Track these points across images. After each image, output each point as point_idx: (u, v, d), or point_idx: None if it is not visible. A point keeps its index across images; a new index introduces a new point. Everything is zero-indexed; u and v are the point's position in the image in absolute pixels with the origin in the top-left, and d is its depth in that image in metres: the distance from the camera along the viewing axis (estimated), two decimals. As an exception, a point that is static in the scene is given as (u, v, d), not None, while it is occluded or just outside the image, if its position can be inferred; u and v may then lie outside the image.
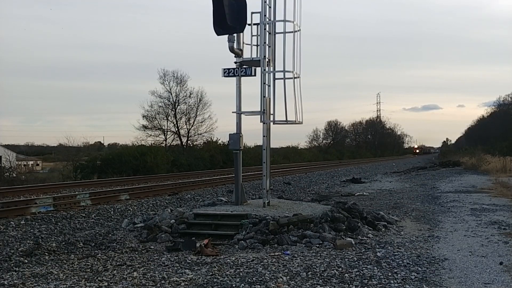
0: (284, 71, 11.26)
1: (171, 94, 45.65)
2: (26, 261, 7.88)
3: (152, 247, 9.07)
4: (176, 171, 35.69)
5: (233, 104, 11.61)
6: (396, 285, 6.34)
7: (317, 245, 8.84)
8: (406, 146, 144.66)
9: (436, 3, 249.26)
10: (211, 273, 6.88)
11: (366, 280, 6.52)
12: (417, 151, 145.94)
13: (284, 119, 11.43)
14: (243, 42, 11.51)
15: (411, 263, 7.51)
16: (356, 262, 7.53)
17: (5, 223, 11.35)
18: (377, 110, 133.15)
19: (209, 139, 47.08)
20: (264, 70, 11.23)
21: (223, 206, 11.55)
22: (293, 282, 6.46)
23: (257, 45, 11.43)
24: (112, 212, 13.85)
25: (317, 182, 27.39)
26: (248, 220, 9.79)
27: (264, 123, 11.35)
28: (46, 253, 8.39)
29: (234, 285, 6.31)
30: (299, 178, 29.19)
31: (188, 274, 6.84)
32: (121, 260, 7.87)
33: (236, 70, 11.48)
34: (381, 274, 6.84)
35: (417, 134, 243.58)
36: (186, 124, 46.54)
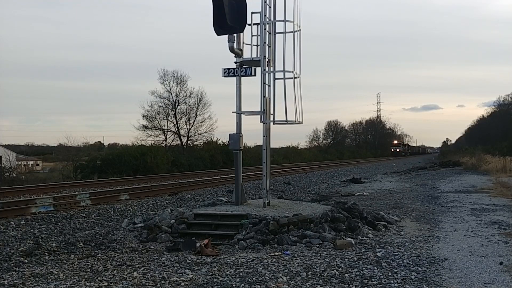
0: (284, 71, 11.25)
1: (171, 94, 45.73)
2: (26, 261, 7.88)
3: (152, 247, 9.07)
4: (176, 171, 35.67)
5: (233, 104, 11.63)
6: (396, 285, 6.34)
7: (317, 245, 8.84)
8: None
9: (436, 3, 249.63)
10: (211, 273, 6.88)
11: (366, 280, 6.52)
12: (397, 150, 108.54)
13: (284, 119, 11.42)
14: (243, 42, 11.51)
15: (411, 263, 7.50)
16: (356, 262, 7.53)
17: (5, 223, 11.34)
18: (377, 110, 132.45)
19: (209, 139, 47.17)
20: (264, 70, 11.23)
21: (223, 206, 11.55)
22: (293, 282, 6.46)
23: (257, 45, 11.42)
24: (112, 212, 13.85)
25: (317, 182, 27.39)
26: (248, 220, 9.79)
27: (264, 123, 11.35)
28: (46, 253, 8.39)
29: (234, 285, 6.31)
30: (299, 178, 29.17)
31: (188, 274, 6.84)
32: (121, 260, 7.87)
33: (236, 70, 11.47)
34: (381, 274, 6.84)
35: (417, 134, 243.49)
36: (186, 124, 46.63)
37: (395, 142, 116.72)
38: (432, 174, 34.02)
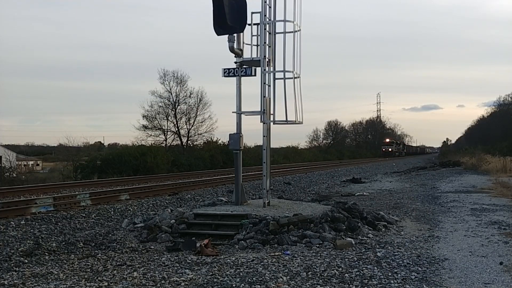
0: (284, 71, 11.26)
1: (171, 94, 45.77)
2: (26, 261, 7.88)
3: (152, 247, 9.07)
4: (176, 171, 35.66)
5: (233, 104, 11.63)
6: (396, 285, 6.34)
7: (317, 245, 8.83)
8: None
9: (435, 3, 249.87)
10: (211, 273, 6.88)
11: (366, 280, 6.52)
12: (389, 149, 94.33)
13: (284, 119, 11.43)
14: (243, 42, 11.51)
15: (411, 263, 7.50)
16: (356, 262, 7.53)
17: (5, 223, 11.34)
18: (377, 110, 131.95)
19: (209, 139, 47.19)
20: (264, 70, 11.23)
21: (223, 206, 11.55)
22: (293, 282, 6.46)
23: (257, 45, 11.42)
24: (112, 212, 13.84)
25: (317, 182, 27.38)
26: (248, 220, 9.79)
27: (264, 123, 11.35)
28: (46, 253, 8.39)
29: (234, 285, 6.31)
30: (299, 178, 29.17)
31: (188, 274, 6.84)
32: (121, 260, 7.87)
33: (236, 70, 11.47)
34: (381, 274, 6.84)
35: (417, 134, 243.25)
36: (186, 124, 46.67)
37: (387, 140, 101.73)
38: (432, 174, 34.02)
